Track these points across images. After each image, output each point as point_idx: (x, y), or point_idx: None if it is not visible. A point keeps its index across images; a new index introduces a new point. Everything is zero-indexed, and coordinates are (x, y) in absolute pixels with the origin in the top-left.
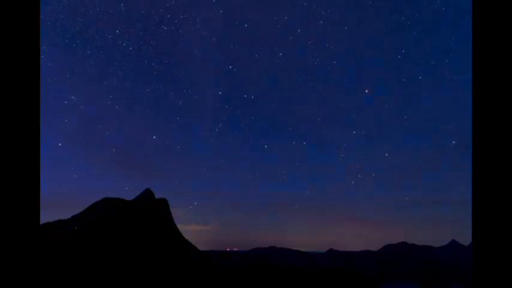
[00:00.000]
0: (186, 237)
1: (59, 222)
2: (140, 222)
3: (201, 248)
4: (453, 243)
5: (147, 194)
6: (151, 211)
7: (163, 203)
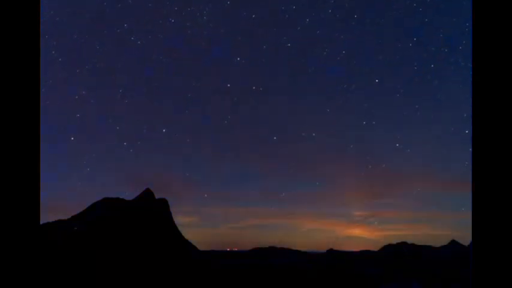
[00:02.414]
0: (186, 237)
1: (59, 222)
2: (140, 222)
3: (201, 248)
4: (453, 243)
5: (147, 194)
6: (151, 211)
7: (163, 203)
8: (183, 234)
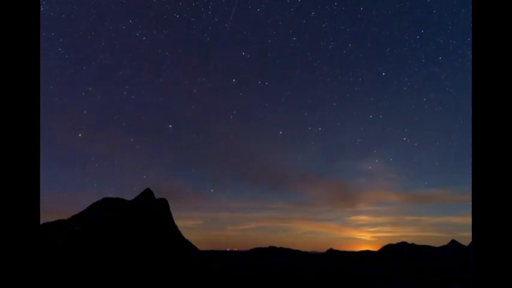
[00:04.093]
0: (186, 237)
1: (59, 222)
2: (140, 222)
3: (201, 248)
4: (453, 243)
5: (147, 194)
6: (151, 211)
7: (163, 203)
8: (183, 234)
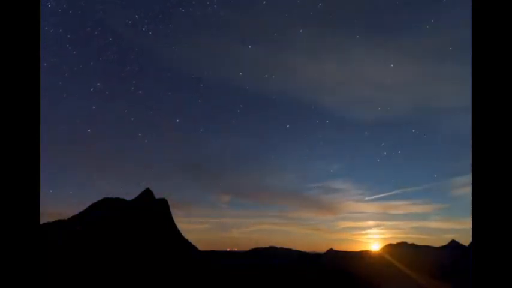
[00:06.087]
0: (186, 237)
1: (59, 222)
2: (140, 222)
3: (201, 248)
4: (453, 243)
5: (147, 194)
6: (151, 211)
7: (163, 203)
8: (183, 234)
